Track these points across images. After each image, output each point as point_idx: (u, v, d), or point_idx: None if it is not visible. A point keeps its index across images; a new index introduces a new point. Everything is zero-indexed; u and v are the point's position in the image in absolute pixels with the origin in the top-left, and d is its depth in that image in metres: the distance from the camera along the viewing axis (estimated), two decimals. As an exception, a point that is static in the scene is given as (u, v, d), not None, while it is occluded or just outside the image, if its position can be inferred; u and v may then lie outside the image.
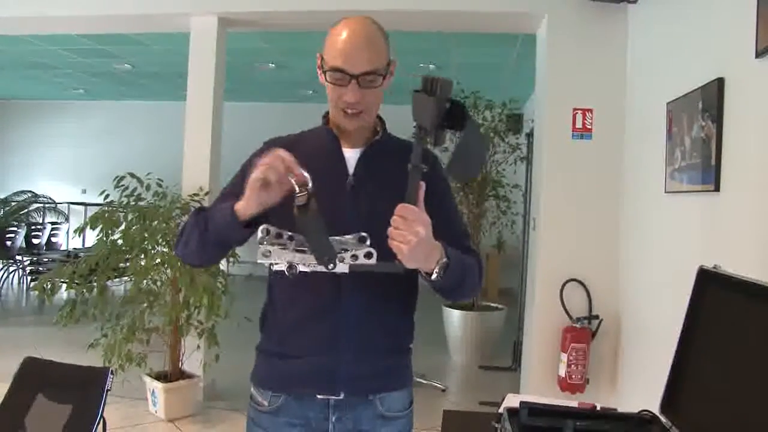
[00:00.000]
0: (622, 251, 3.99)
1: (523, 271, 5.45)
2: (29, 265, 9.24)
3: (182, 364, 4.39)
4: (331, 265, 1.32)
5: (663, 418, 1.66)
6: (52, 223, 10.62)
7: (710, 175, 2.57)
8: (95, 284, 4.16)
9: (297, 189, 1.27)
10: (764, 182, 2.17)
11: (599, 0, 3.94)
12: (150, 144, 10.40)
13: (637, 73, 3.86)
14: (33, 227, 10.18)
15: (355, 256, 1.34)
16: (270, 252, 1.32)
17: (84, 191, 11.03)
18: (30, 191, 11.12)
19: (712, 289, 1.67)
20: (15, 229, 9.62)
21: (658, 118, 3.23)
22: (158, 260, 4.18)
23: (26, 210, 10.89)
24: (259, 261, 1.32)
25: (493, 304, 6.53)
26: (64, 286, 4.37)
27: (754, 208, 2.24)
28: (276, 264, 1.34)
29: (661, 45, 3.46)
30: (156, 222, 4.19)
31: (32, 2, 4.80)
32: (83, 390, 2.43)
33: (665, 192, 3.12)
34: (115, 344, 4.01)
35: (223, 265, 4.42)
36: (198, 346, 4.40)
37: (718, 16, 2.66)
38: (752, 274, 1.55)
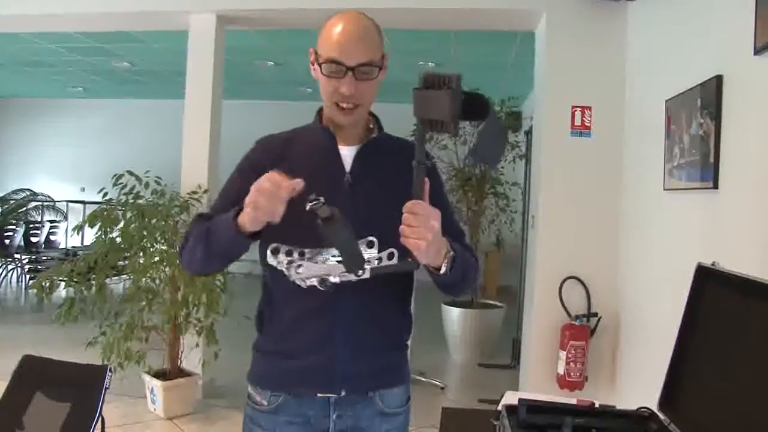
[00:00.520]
0: (620, 249, 3.99)
1: (522, 269, 5.46)
2: (28, 263, 9.25)
3: (181, 362, 4.39)
4: (361, 272, 1.31)
5: (661, 415, 1.66)
6: (51, 222, 10.62)
7: (709, 173, 2.57)
8: (94, 282, 4.15)
9: (310, 205, 1.25)
10: (763, 179, 2.17)
11: (598, -3, 3.94)
12: (149, 142, 10.40)
13: (636, 71, 3.85)
14: (31, 225, 10.17)
15: (380, 259, 1.34)
16: (301, 267, 1.32)
17: (83, 189, 11.02)
18: (29, 189, 11.11)
19: (711, 286, 1.67)
20: (13, 227, 9.62)
21: (657, 116, 3.23)
22: (157, 258, 4.18)
23: (25, 208, 10.87)
24: (292, 279, 1.33)
25: (492, 302, 6.53)
26: (63, 284, 4.37)
27: (752, 205, 2.24)
28: (308, 279, 1.34)
29: (660, 42, 3.46)
30: (155, 220, 4.19)
31: (31, 0, 4.79)
32: (82, 388, 2.44)
33: (664, 189, 3.12)
34: (114, 342, 4.01)
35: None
36: (197, 344, 4.40)
37: (716, 13, 2.66)
38: (751, 271, 1.54)
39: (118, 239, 4.19)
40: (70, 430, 2.36)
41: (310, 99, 9.17)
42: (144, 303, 4.21)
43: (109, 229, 4.17)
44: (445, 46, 6.54)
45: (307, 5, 4.35)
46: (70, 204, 11.15)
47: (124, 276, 4.68)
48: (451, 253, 1.38)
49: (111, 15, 4.82)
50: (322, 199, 1.25)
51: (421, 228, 1.28)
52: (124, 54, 7.68)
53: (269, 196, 1.25)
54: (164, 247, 4.22)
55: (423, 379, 5.15)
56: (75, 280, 4.14)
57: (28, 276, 8.94)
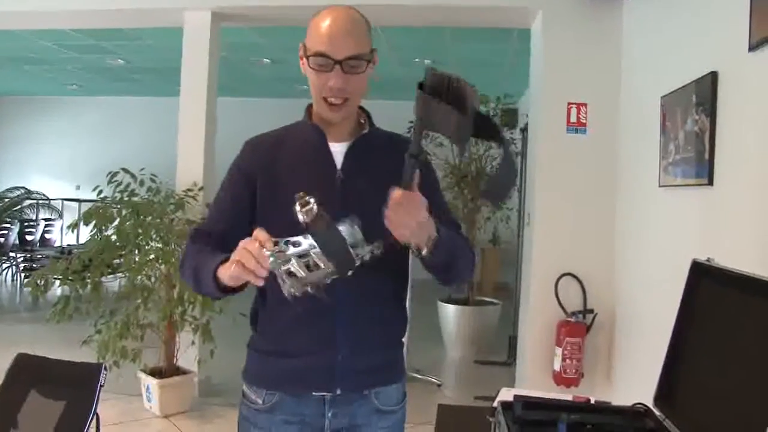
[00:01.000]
0: (616, 245, 4.00)
1: (518, 266, 5.46)
2: (23, 261, 9.23)
3: (177, 359, 4.38)
4: (351, 272, 1.28)
5: (657, 411, 1.66)
6: (46, 220, 10.60)
7: (704, 169, 2.57)
8: (89, 280, 4.14)
9: (298, 208, 1.22)
10: (758, 176, 2.18)
11: (594, -6, 3.94)
12: (144, 140, 10.37)
13: (632, 67, 3.86)
14: (26, 224, 10.16)
15: (371, 252, 1.30)
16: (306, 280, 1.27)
17: (78, 187, 10.98)
18: (23, 187, 11.07)
19: (706, 283, 1.68)
20: (8, 225, 9.60)
21: (653, 112, 3.24)
22: (152, 256, 4.17)
23: (20, 206, 10.84)
24: (298, 295, 1.28)
25: (488, 299, 6.54)
26: (58, 282, 4.35)
27: (747, 201, 2.25)
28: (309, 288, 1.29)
29: (656, 39, 3.46)
30: (150, 218, 4.18)
31: (24, -3, 4.78)
32: (77, 386, 2.43)
33: (659, 186, 3.12)
34: (109, 340, 3.99)
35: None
36: (193, 342, 4.39)
37: (712, 10, 2.66)
38: (746, 267, 1.55)
39: (113, 237, 4.18)
40: (65, 428, 2.35)
41: (307, 96, 9.05)
42: (139, 301, 4.19)
43: (104, 227, 4.15)
44: (441, 42, 6.54)
45: (303, 2, 4.32)
46: (65, 202, 11.11)
47: (120, 274, 4.66)
48: (434, 235, 1.35)
49: (106, 12, 4.80)
50: (312, 200, 1.22)
51: (406, 217, 1.27)
52: (120, 51, 7.65)
53: (257, 257, 1.23)
54: (159, 245, 4.21)
55: (419, 376, 5.15)
56: (70, 278, 4.12)
57: (23, 274, 8.92)
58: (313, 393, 1.51)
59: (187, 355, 4.42)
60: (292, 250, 1.23)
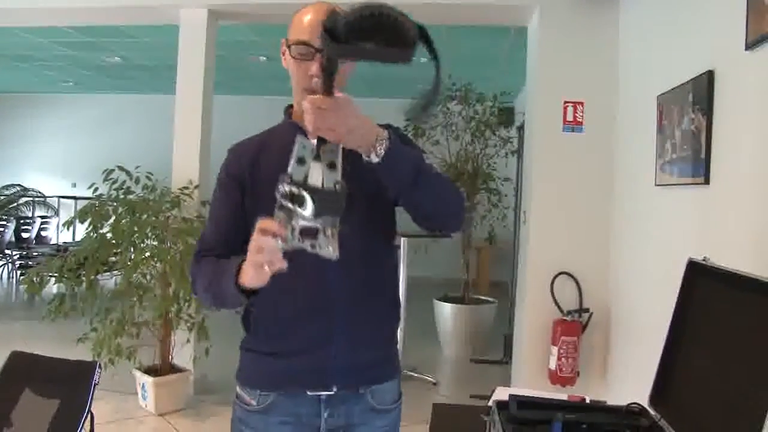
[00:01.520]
0: (612, 244, 4.00)
1: (514, 265, 5.46)
2: (19, 259, 9.20)
3: (172, 358, 4.37)
4: (335, 254, 1.20)
5: (652, 411, 1.66)
6: (42, 217, 10.56)
7: (700, 168, 2.57)
8: (84, 278, 4.13)
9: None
10: (754, 175, 2.18)
11: (590, -8, 3.94)
12: (140, 137, 10.35)
13: (628, 66, 3.85)
14: (22, 221, 10.12)
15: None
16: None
17: (74, 185, 10.96)
18: (19, 185, 11.04)
19: (702, 282, 1.68)
20: (4, 223, 9.57)
21: (649, 111, 3.23)
22: (148, 254, 4.16)
23: (15, 204, 10.81)
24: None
25: (484, 298, 6.54)
26: (54, 280, 4.34)
27: (743, 200, 2.25)
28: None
29: (652, 37, 3.46)
30: (145, 216, 4.17)
31: (19, -7, 4.76)
32: (71, 384, 2.42)
33: (656, 185, 3.12)
34: (104, 338, 3.99)
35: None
36: (188, 340, 4.38)
37: (708, 8, 2.66)
38: (742, 267, 1.55)
39: (109, 235, 4.17)
40: (59, 426, 2.34)
41: (303, 94, 9.11)
42: (135, 299, 4.18)
43: (99, 225, 4.14)
44: (437, 40, 6.49)
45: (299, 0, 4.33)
46: (61, 200, 11.08)
47: (115, 272, 4.65)
48: (386, 142, 1.28)
49: (102, 9, 4.78)
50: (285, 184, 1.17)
51: (332, 121, 1.20)
52: (115, 49, 7.63)
53: (269, 250, 1.20)
54: (155, 243, 4.20)
55: (415, 375, 5.15)
56: (65, 276, 4.11)
57: (19, 272, 8.89)
58: (309, 392, 1.50)
59: (183, 353, 4.42)
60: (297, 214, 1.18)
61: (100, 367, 2.47)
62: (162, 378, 4.24)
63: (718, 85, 2.49)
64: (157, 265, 4.20)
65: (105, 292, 4.35)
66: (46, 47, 7.58)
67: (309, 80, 1.44)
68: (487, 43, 6.57)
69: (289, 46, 1.48)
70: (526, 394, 1.77)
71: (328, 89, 1.21)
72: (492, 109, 6.18)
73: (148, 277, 4.25)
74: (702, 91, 2.57)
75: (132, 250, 4.21)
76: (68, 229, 4.39)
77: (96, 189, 4.37)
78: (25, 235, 9.84)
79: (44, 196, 11.16)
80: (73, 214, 4.50)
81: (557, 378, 3.89)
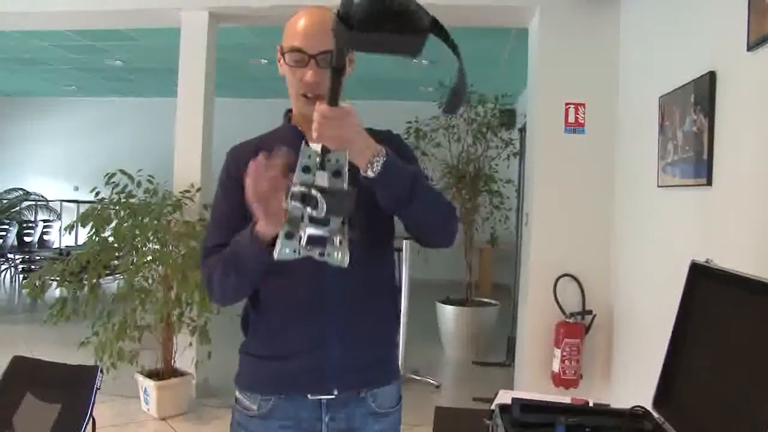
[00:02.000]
0: (615, 246, 3.99)
1: (516, 267, 5.45)
2: (21, 263, 9.21)
3: (174, 361, 4.37)
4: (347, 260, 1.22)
5: (655, 414, 1.65)
6: (44, 221, 10.57)
7: (702, 169, 2.56)
8: (86, 282, 4.13)
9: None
10: (756, 176, 2.17)
11: (591, -6, 3.93)
12: (141, 140, 10.36)
13: (630, 67, 3.85)
14: (25, 225, 10.13)
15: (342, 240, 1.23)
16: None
17: (76, 188, 10.97)
18: (21, 189, 11.07)
19: (705, 284, 1.67)
20: (6, 227, 9.58)
21: (651, 112, 3.23)
22: (149, 257, 4.16)
23: (18, 208, 10.83)
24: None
25: (486, 300, 6.53)
26: (56, 284, 4.34)
27: (746, 201, 2.24)
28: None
29: (653, 39, 3.45)
30: (147, 219, 4.17)
31: (21, -3, 4.77)
32: (72, 389, 2.42)
33: (658, 186, 3.11)
34: (106, 342, 3.98)
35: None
36: (190, 344, 4.37)
37: (709, 9, 2.65)
38: (744, 268, 1.54)
39: (111, 239, 4.17)
40: (61, 431, 2.34)
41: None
42: (137, 302, 4.18)
43: (101, 229, 4.14)
44: (438, 42, 6.51)
45: (300, 2, 4.32)
46: (63, 203, 11.10)
47: (117, 275, 4.65)
48: (383, 159, 1.29)
49: (103, 12, 4.78)
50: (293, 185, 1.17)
51: (334, 130, 1.22)
52: (117, 52, 7.64)
53: (267, 187, 1.22)
54: (157, 247, 4.20)
55: (417, 378, 5.14)
56: (67, 279, 4.11)
57: (21, 276, 8.90)
58: (309, 396, 1.49)
59: (185, 357, 4.41)
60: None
61: (101, 371, 2.46)
62: (164, 382, 4.23)
63: (720, 85, 2.49)
64: (159, 268, 4.20)
65: (107, 295, 4.35)
66: (47, 51, 7.60)
67: (304, 87, 1.45)
68: (488, 45, 6.56)
69: (284, 54, 1.48)
70: (528, 398, 1.76)
71: (334, 98, 1.22)
72: (493, 111, 6.18)
73: (150, 280, 4.25)
74: (704, 92, 2.57)
75: (134, 253, 4.21)
76: (70, 232, 4.38)
77: (98, 193, 4.37)
78: (27, 238, 9.84)
79: (46, 200, 11.18)
80: (75, 218, 4.50)
81: (560, 380, 3.88)
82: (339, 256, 1.20)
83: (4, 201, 10.66)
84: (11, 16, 4.94)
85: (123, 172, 4.27)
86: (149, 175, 4.36)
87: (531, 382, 4.10)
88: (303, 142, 1.26)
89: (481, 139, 6.13)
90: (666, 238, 3.04)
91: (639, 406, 1.69)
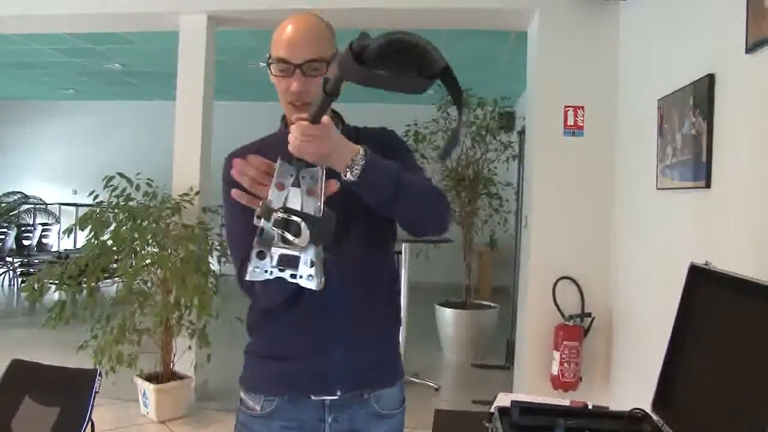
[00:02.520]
0: (614, 248, 3.99)
1: (515, 269, 5.45)
2: (20, 266, 9.20)
3: (173, 364, 4.36)
4: (319, 284, 1.20)
5: (655, 416, 1.65)
6: (43, 224, 10.56)
7: (701, 172, 2.56)
8: (85, 285, 4.12)
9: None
10: (755, 178, 2.17)
11: (590, -3, 3.94)
12: (140, 144, 10.35)
13: (629, 70, 3.85)
14: (23, 228, 10.12)
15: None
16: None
17: (75, 192, 10.96)
18: (20, 192, 11.05)
19: (704, 286, 1.67)
20: (5, 230, 9.56)
21: (650, 115, 3.23)
22: (148, 261, 4.15)
23: (16, 211, 10.82)
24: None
25: (485, 303, 6.53)
26: (54, 287, 4.34)
27: (745, 204, 2.24)
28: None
29: (652, 41, 3.46)
30: (146, 222, 4.16)
31: (19, 1, 4.76)
32: (71, 392, 2.42)
33: (657, 189, 3.12)
34: (105, 345, 3.98)
35: (214, 264, 4.40)
36: (189, 347, 4.37)
37: (708, 11, 2.66)
38: (743, 271, 1.54)
39: (110, 242, 4.16)
40: (60, 434, 2.33)
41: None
42: (136, 306, 4.17)
43: (100, 232, 4.14)
44: (437, 45, 6.49)
45: (299, 5, 4.32)
46: (62, 207, 11.09)
47: (116, 279, 4.65)
48: (361, 161, 1.30)
49: (102, 16, 4.79)
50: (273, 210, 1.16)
51: (310, 147, 1.23)
52: (115, 55, 7.64)
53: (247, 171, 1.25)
54: (156, 250, 4.19)
55: (417, 380, 5.14)
56: (66, 283, 4.10)
57: (20, 279, 8.89)
58: (312, 397, 1.50)
59: (184, 360, 4.40)
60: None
61: (100, 374, 2.46)
62: (163, 385, 4.23)
63: (719, 88, 2.49)
64: (158, 271, 4.20)
65: (106, 299, 4.35)
66: (46, 54, 7.60)
67: (290, 96, 1.46)
68: (487, 48, 6.57)
69: (269, 65, 1.48)
70: (528, 400, 1.76)
71: (317, 117, 1.22)
72: (492, 114, 6.18)
73: (149, 283, 4.24)
74: (702, 95, 2.57)
75: (133, 257, 4.21)
76: (69, 236, 4.37)
77: (96, 196, 4.37)
78: (26, 242, 9.83)
79: (45, 203, 11.17)
80: (74, 221, 4.50)
81: (560, 383, 3.87)
82: (312, 278, 1.17)
83: (3, 204, 10.64)
84: (11, 20, 4.95)
85: (122, 175, 4.27)
86: (148, 179, 4.36)
87: (530, 384, 4.10)
88: (279, 158, 1.25)
89: (481, 141, 6.13)
90: (665, 240, 3.04)
91: (638, 409, 1.69)
